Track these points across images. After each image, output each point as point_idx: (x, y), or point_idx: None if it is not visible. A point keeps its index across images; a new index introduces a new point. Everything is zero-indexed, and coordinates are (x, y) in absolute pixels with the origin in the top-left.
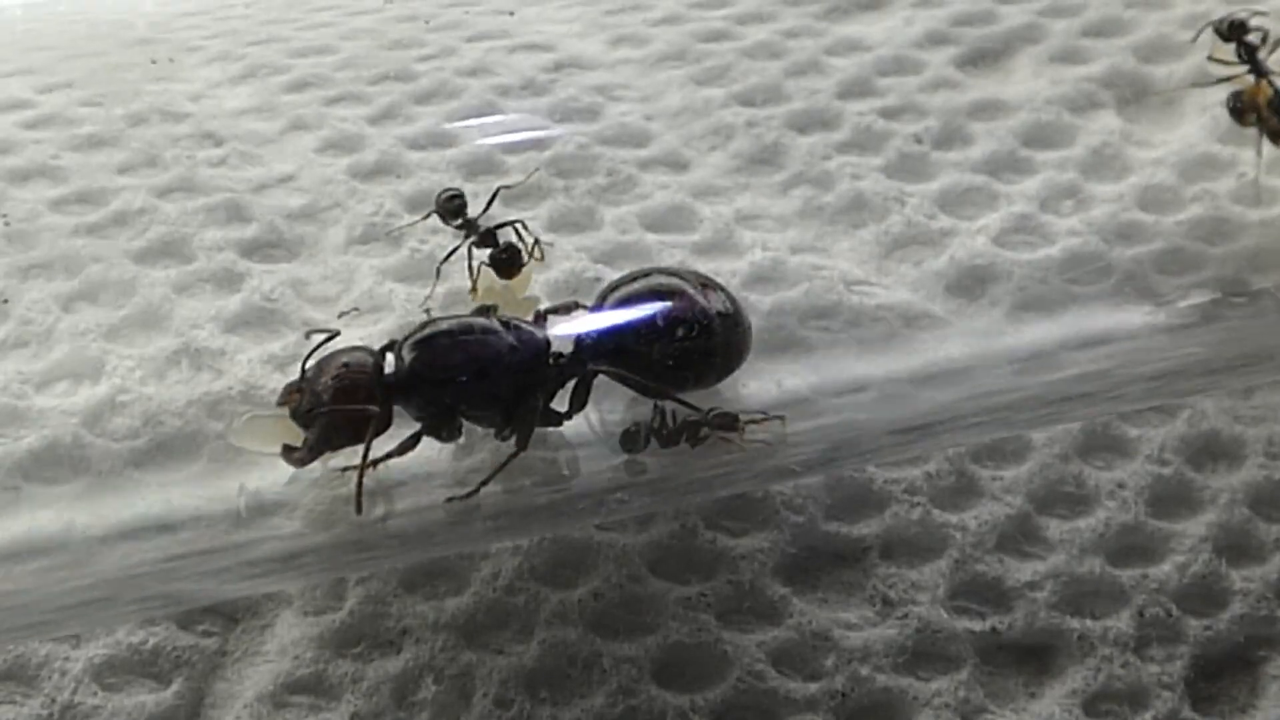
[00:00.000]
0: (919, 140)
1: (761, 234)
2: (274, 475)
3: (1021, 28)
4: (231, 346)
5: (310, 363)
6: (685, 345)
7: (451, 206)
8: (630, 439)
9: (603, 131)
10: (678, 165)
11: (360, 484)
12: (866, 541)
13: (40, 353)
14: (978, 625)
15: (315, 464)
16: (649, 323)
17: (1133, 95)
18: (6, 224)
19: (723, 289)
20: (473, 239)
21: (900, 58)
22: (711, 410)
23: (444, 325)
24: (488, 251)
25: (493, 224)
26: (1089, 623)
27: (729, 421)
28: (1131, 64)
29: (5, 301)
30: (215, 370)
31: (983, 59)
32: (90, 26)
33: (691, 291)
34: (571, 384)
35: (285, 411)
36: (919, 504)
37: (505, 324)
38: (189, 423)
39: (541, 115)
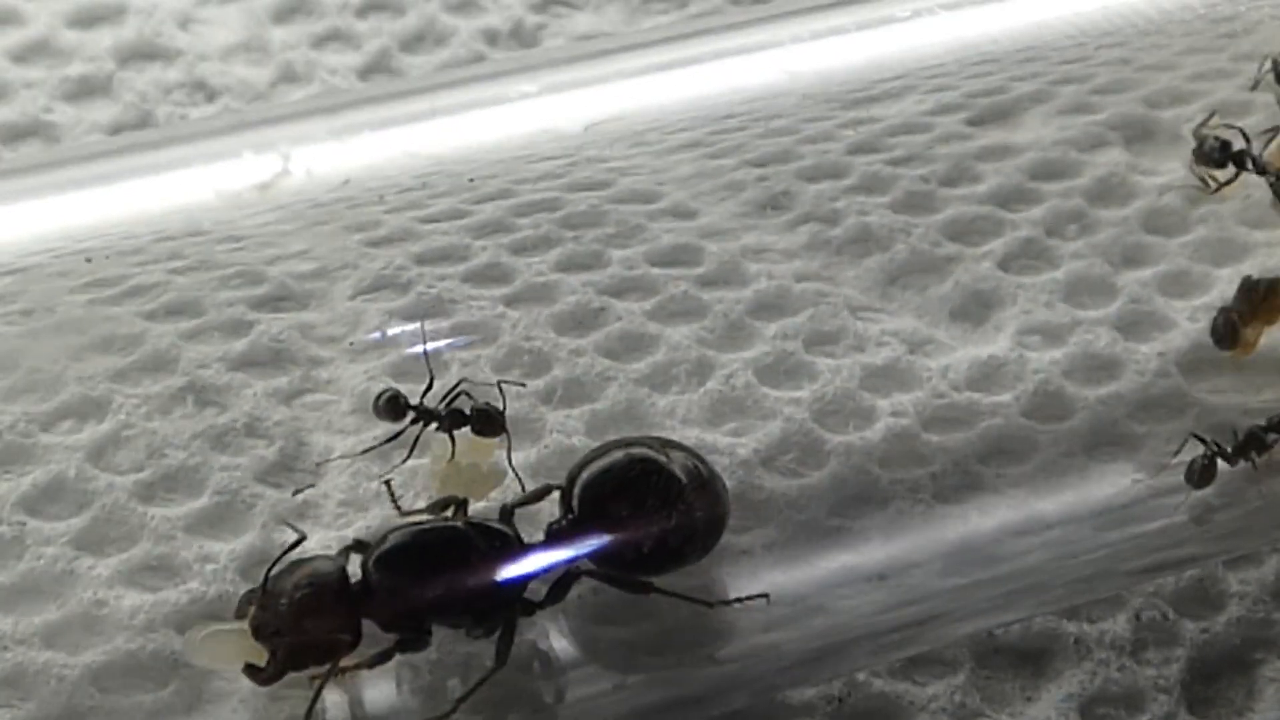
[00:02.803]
0: (926, 180)
1: (767, 265)
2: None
3: (1031, 93)
4: (237, 382)
5: (271, 570)
6: (663, 528)
7: (392, 406)
8: (1205, 473)
9: (614, 195)
10: (686, 214)
11: (314, 702)
12: None
13: (46, 396)
14: None
15: None
16: (623, 512)
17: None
18: None
19: (689, 450)
20: (437, 426)
21: (910, 123)
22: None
23: (411, 535)
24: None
25: (448, 400)
26: (1085, 626)
27: None
28: (1140, 110)
29: None
30: (220, 405)
31: (991, 118)
32: None
33: (662, 464)
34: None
35: (245, 624)
36: (921, 500)
37: (474, 525)
38: (193, 454)
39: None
